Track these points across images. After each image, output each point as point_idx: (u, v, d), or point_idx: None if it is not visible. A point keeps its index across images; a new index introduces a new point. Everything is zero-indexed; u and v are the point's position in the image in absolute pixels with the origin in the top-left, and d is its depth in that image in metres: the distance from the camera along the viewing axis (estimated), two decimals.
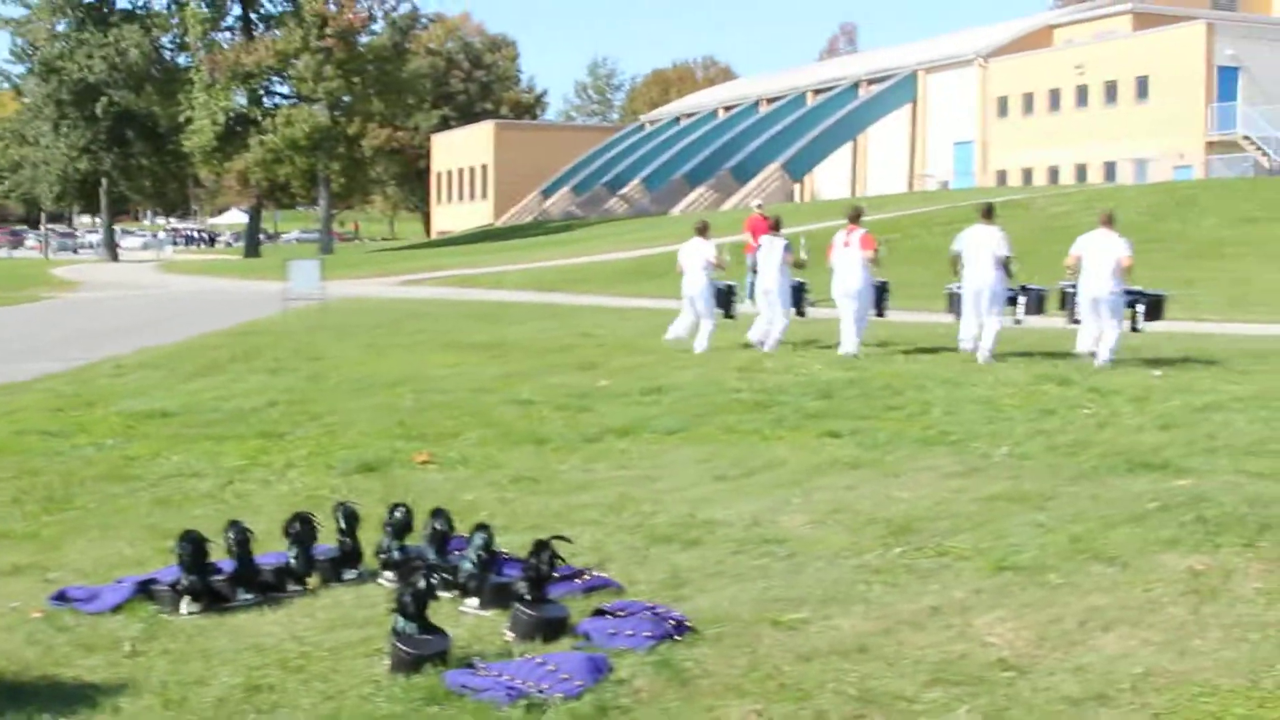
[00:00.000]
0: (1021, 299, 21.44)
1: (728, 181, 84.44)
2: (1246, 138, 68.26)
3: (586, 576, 7.76)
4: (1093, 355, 19.32)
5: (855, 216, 22.00)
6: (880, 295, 22.23)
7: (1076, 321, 20.10)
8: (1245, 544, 8.60)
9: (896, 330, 23.40)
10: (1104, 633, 6.96)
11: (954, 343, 20.64)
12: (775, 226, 23.29)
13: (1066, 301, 20.62)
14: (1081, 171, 75.18)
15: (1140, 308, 20.52)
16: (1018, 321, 21.64)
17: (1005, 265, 20.28)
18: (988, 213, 20.87)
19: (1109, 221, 20.03)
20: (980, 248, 20.33)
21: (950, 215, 50.32)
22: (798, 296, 22.87)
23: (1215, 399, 15.00)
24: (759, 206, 31.42)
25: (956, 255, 20.60)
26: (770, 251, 22.28)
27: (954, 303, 21.22)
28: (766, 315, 22.11)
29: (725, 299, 23.26)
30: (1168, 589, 7.69)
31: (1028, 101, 79.72)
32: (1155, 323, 20.95)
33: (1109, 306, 19.33)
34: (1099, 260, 19.45)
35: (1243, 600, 7.48)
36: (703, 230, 23.01)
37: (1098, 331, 19.47)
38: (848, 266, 21.38)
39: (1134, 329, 20.32)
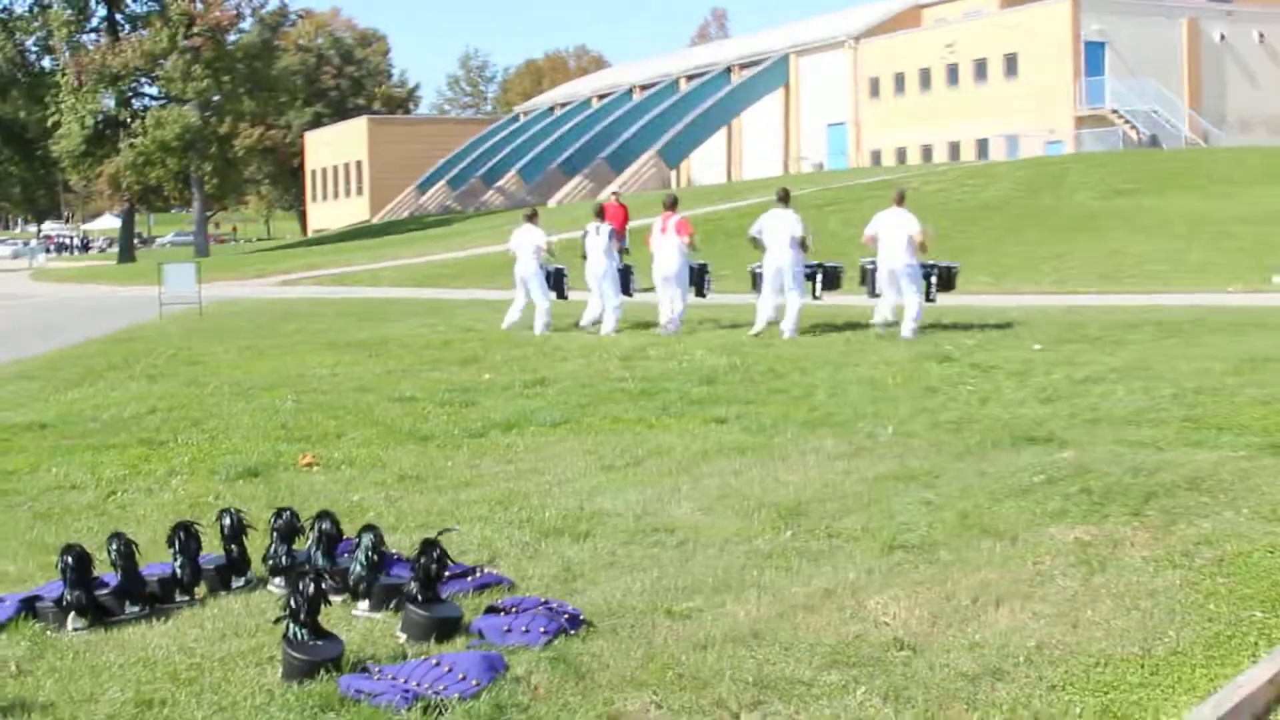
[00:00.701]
0: (818, 276, 23.27)
1: (604, 170, 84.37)
2: (1115, 111, 69.11)
3: (478, 574, 7.70)
4: (887, 325, 21.37)
5: (671, 204, 23.74)
6: (700, 276, 24.04)
7: (877, 295, 21.90)
8: (1131, 513, 8.70)
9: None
10: (996, 608, 7.01)
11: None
12: (599, 214, 24.89)
13: (866, 277, 22.39)
14: (955, 149, 75.85)
15: (934, 279, 22.31)
16: (817, 297, 23.29)
17: (802, 244, 21.95)
18: (784, 197, 22.60)
19: (901, 199, 21.85)
20: (778, 230, 22.02)
21: (825, 196, 50.59)
22: (625, 279, 24.46)
23: (1094, 371, 15.19)
24: (615, 195, 32.60)
25: (755, 238, 22.38)
26: (596, 237, 23.83)
27: (757, 281, 22.86)
28: (598, 300, 23.81)
29: (557, 281, 24.67)
30: (1057, 561, 7.77)
31: (899, 81, 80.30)
32: (947, 292, 22.85)
33: (907, 278, 21.11)
34: (894, 236, 21.32)
35: (1131, 569, 7.57)
36: (532, 217, 24.89)
37: (893, 303, 21.47)
38: (665, 251, 23.13)
39: (929, 299, 21.91)
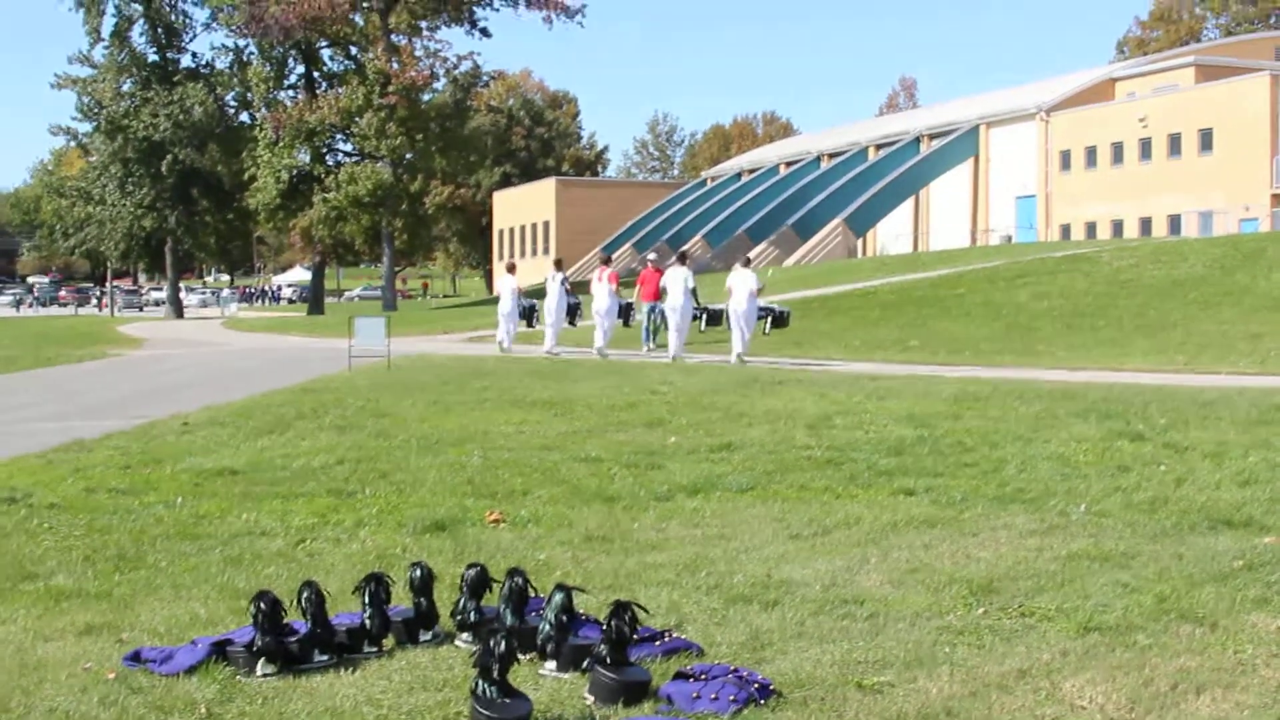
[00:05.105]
0: (703, 315, 37.12)
1: (790, 237, 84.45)
2: None
3: (666, 638, 7.63)
4: (741, 360, 30.83)
5: (606, 260, 38.20)
6: (626, 311, 39.41)
7: (729, 329, 32.77)
8: None
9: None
10: (1197, 696, 6.78)
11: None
12: (558, 265, 38.77)
13: (724, 318, 33.97)
14: (1146, 224, 74.89)
15: (769, 319, 36.27)
16: (701, 330, 36.36)
17: (693, 293, 33.83)
18: (682, 258, 35.75)
19: (747, 263, 33.99)
20: (675, 281, 33.50)
21: (1015, 269, 50.12)
22: (571, 313, 38.68)
23: None
24: (652, 260, 40.94)
25: (664, 288, 34.34)
26: (553, 284, 36.97)
27: (663, 318, 35.06)
28: (551, 326, 36.92)
29: (528, 314, 41.10)
30: (1259, 650, 7.52)
31: (1090, 155, 79.56)
32: (782, 328, 36.94)
33: (745, 319, 31.68)
34: (740, 289, 31.90)
35: None
36: (511, 269, 39.68)
37: (743, 339, 31.65)
38: (599, 293, 35.18)
39: (765, 333, 35.33)
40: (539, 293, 41.29)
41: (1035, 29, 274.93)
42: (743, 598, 8.72)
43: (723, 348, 34.16)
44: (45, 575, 9.69)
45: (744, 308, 31.67)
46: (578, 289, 46.63)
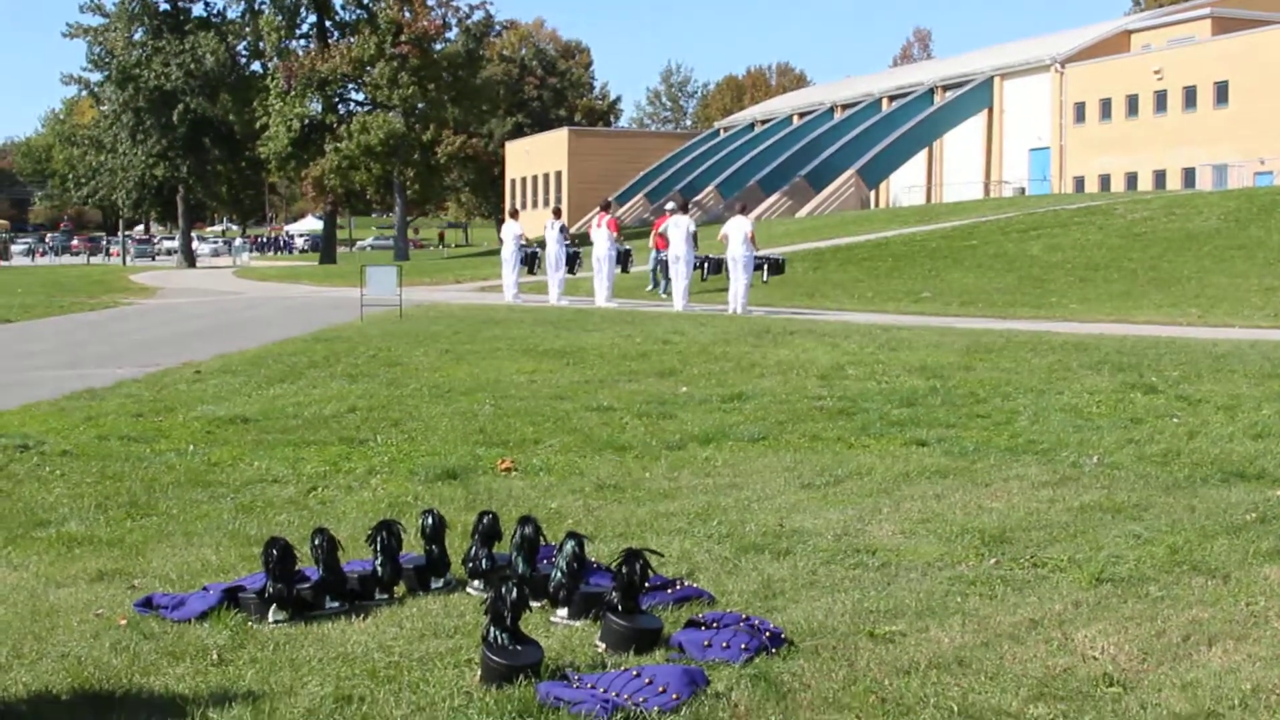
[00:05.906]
0: (704, 264, 38.24)
1: (803, 188, 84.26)
2: None
3: (677, 586, 7.63)
4: (745, 310, 31.72)
5: (605, 206, 38.38)
6: (625, 257, 41.14)
7: (726, 275, 33.69)
8: None
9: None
10: (1209, 647, 6.76)
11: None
12: (557, 213, 39.42)
13: (724, 267, 34.15)
14: (1160, 177, 74.62)
15: (765, 267, 37.38)
16: (704, 280, 37.84)
17: (694, 240, 34.31)
18: (684, 207, 37.20)
19: (744, 210, 35.28)
20: (678, 229, 34.04)
21: (1027, 221, 49.99)
22: (571, 261, 39.49)
23: None
24: (670, 209, 39.39)
25: (663, 234, 35.93)
26: (551, 232, 37.48)
27: (662, 267, 37.39)
28: (553, 277, 37.57)
29: (530, 260, 40.87)
30: (1272, 602, 7.49)
31: (1105, 107, 79.22)
32: (778, 275, 38.55)
33: (741, 265, 32.42)
34: (735, 235, 32.81)
35: None
36: (514, 215, 40.48)
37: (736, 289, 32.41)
38: (598, 240, 36.40)
39: (764, 280, 36.56)
40: (541, 243, 41.03)
41: None
42: (754, 547, 8.71)
43: (726, 297, 34.15)
44: (57, 522, 9.71)
45: (741, 253, 32.52)
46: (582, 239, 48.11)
